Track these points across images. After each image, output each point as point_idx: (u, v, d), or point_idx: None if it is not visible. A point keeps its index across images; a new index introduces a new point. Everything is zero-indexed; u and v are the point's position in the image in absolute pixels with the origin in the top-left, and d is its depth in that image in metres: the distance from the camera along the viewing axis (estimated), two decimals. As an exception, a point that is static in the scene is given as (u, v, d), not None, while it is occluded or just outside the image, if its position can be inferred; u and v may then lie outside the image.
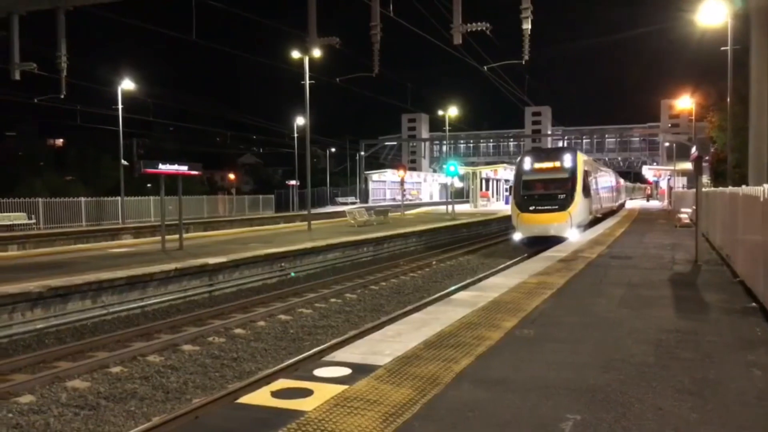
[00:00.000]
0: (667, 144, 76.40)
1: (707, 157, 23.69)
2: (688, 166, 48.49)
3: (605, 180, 35.82)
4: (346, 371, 5.14)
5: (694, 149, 13.43)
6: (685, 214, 25.14)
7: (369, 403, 4.40)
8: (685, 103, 48.30)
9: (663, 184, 63.22)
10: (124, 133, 42.01)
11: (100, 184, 52.88)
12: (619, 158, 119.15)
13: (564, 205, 21.75)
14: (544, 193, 22.71)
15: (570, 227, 21.48)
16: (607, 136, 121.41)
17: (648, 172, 69.93)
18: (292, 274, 17.78)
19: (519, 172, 23.94)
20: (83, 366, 9.36)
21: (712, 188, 22.89)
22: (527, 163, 23.68)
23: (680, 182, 54.06)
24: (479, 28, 15.44)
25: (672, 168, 56.59)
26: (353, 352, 5.79)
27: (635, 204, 58.78)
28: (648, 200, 69.80)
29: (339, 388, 4.69)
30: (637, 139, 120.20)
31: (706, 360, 5.55)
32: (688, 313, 7.66)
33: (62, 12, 20.03)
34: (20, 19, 20.67)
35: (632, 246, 16.51)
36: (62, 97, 21.57)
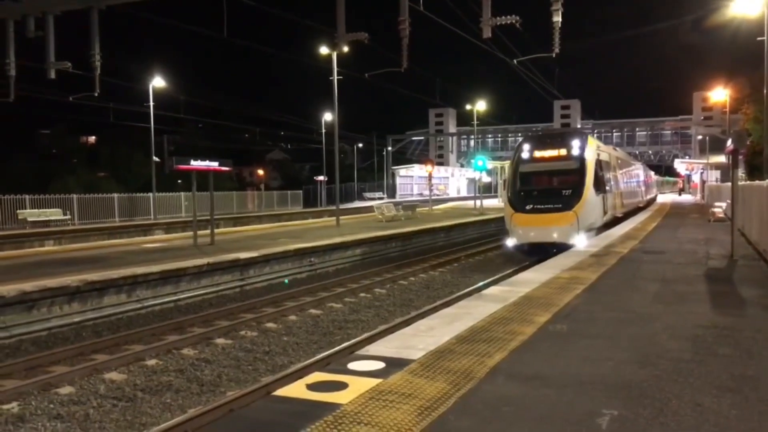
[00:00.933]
0: (699, 137, 74.95)
1: (743, 150, 20.51)
2: (721, 159, 47.55)
3: (630, 172, 30.70)
4: (380, 365, 5.17)
5: (729, 142, 13.17)
6: (719, 208, 24.68)
7: (404, 396, 4.42)
8: (718, 95, 47.38)
9: (695, 178, 62.10)
10: (156, 130, 42.67)
11: (132, 180, 53.71)
12: (650, 152, 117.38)
13: (569, 203, 17.55)
14: (545, 188, 18.62)
15: (577, 231, 17.22)
16: (637, 129, 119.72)
17: (680, 165, 68.77)
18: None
19: (515, 162, 19.43)
20: (120, 359, 9.56)
21: (748, 182, 22.29)
22: (525, 150, 19.30)
23: (713, 176, 53.05)
24: (509, 22, 15.30)
25: (705, 161, 55.54)
26: (386, 346, 5.82)
27: (667, 198, 57.84)
28: (680, 194, 68.65)
29: (373, 382, 4.73)
30: (669, 132, 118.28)
31: (745, 356, 5.46)
32: (725, 308, 7.53)
33: (95, 11, 20.38)
34: (55, 18, 21.10)
35: (665, 241, 16.27)
36: (96, 95, 21.97)
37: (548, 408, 4.24)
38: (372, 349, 5.77)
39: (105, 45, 20.70)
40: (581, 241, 16.52)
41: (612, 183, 21.93)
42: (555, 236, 17.35)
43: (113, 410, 7.69)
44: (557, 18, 14.99)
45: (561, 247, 15.91)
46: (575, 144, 18.64)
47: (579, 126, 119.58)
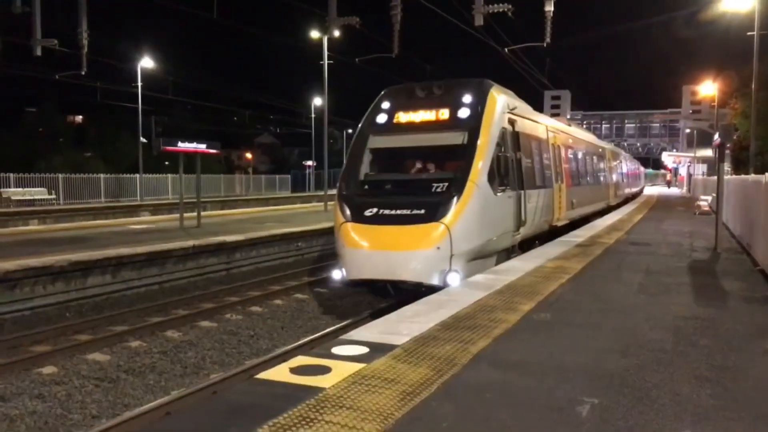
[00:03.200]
0: (687, 130, 75.47)
1: (729, 144, 18.72)
2: (708, 153, 47.91)
3: (594, 159, 23.21)
4: (364, 350, 5.17)
5: (716, 136, 13.26)
6: (705, 201, 24.85)
7: (387, 381, 4.43)
8: (707, 89, 47.67)
9: (682, 171, 62.58)
10: (144, 111, 42.29)
11: (119, 161, 53.31)
12: (638, 144, 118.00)
13: (437, 208, 9.71)
14: (402, 181, 10.89)
15: (447, 259, 9.49)
16: (626, 121, 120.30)
17: (668, 158, 69.25)
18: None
19: (362, 130, 11.62)
20: (103, 340, 9.52)
21: (734, 176, 22.41)
22: (383, 110, 11.53)
23: (700, 169, 53.50)
24: (501, 10, 15.30)
25: (692, 155, 55.95)
26: (371, 332, 5.82)
27: (654, 191, 58.27)
28: (669, 187, 69.12)
29: (357, 366, 4.73)
30: (658, 125, 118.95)
31: (725, 347, 5.52)
32: (707, 300, 7.60)
33: (84, -13, 20.08)
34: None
35: (651, 233, 16.38)
36: (83, 73, 21.75)
37: (530, 395, 4.27)
38: (356, 334, 5.77)
39: (93, 24, 20.46)
40: (454, 281, 9.19)
41: (548, 172, 14.82)
42: (408, 271, 9.48)
43: (95, 390, 7.67)
44: (549, 7, 15.04)
45: (429, 289, 8.85)
46: (465, 101, 10.89)
47: (568, 116, 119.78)
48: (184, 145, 18.33)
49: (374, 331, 5.87)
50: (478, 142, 10.39)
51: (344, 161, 11.64)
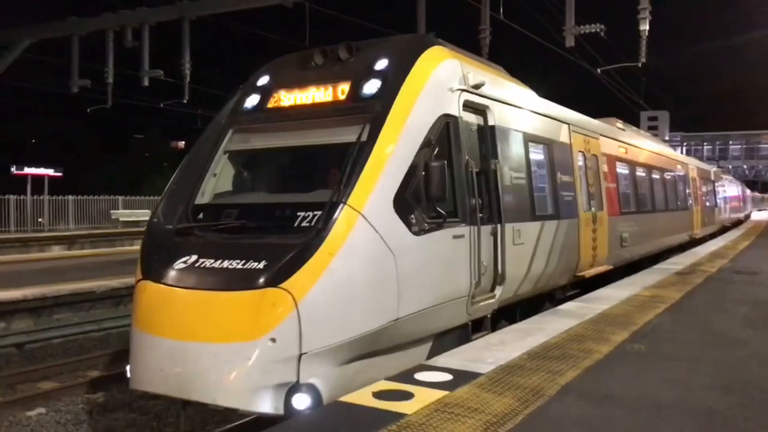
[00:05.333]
0: (800, 151, 70.47)
1: None
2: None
3: (669, 175, 18.19)
4: (447, 377, 5.11)
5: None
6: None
7: (470, 410, 4.35)
8: (823, 107, 44.48)
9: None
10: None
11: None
12: (745, 166, 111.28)
13: (278, 260, 5.37)
14: (254, 207, 6.46)
15: (291, 363, 5.07)
16: (731, 142, 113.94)
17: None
18: None
19: (217, 124, 7.39)
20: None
21: None
22: (256, 90, 7.26)
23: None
24: (593, 30, 14.95)
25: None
26: (455, 358, 5.75)
27: (763, 216, 54.66)
28: None
29: (439, 394, 4.68)
30: (766, 145, 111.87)
31: (844, 389, 5.06)
32: (823, 336, 7.01)
33: (187, 21, 21.38)
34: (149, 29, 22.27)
35: (758, 261, 15.34)
36: (185, 101, 23.03)
37: (620, 431, 4.06)
38: (440, 360, 5.71)
39: (195, 54, 21.66)
40: (305, 403, 5.10)
41: (569, 193, 10.07)
42: (202, 384, 5.16)
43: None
44: (644, 26, 14.53)
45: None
46: (379, 70, 6.62)
47: (667, 138, 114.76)
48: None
49: (458, 358, 5.78)
50: (378, 139, 5.98)
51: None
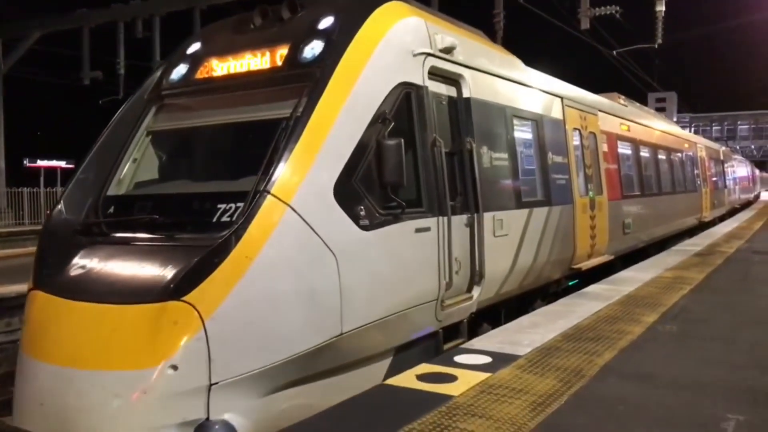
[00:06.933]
0: (810, 131, 69.98)
1: None
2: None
3: (676, 155, 17.10)
4: (487, 359, 5.17)
5: None
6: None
7: (515, 391, 4.42)
8: (834, 85, 44.06)
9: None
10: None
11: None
12: (753, 146, 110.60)
13: (181, 263, 4.43)
14: (168, 197, 5.53)
15: (200, 396, 4.14)
16: (739, 122, 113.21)
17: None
18: None
19: (140, 99, 6.35)
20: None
21: None
22: (186, 58, 6.27)
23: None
24: (608, 12, 14.88)
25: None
26: (491, 341, 5.81)
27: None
28: None
29: (482, 375, 4.74)
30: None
31: None
32: None
33: (197, 11, 21.40)
34: (160, 20, 22.29)
35: (775, 241, 15.34)
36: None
37: (665, 409, 4.12)
38: (476, 343, 5.78)
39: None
40: None
41: (562, 176, 9.18)
42: (87, 423, 4.12)
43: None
44: (660, 7, 14.47)
45: None
46: (323, 29, 5.56)
47: (675, 119, 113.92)
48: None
49: (494, 341, 5.85)
50: (314, 112, 4.99)
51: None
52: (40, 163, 37.00)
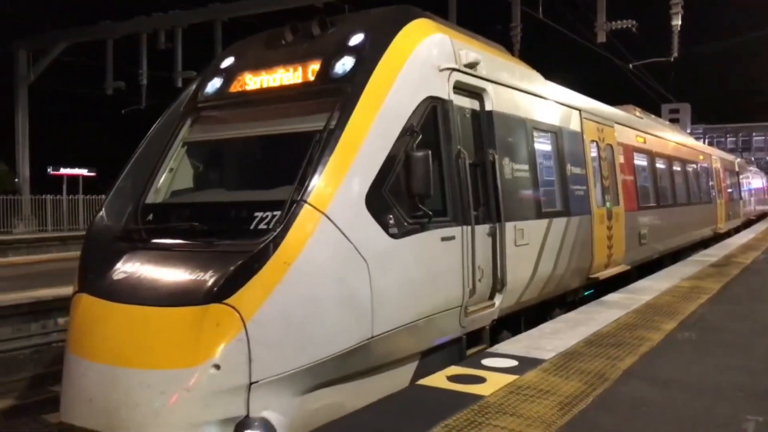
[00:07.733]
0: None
1: None
2: None
3: (690, 166, 17.24)
4: (513, 363, 5.40)
5: None
6: None
7: (542, 392, 4.64)
8: None
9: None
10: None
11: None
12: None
13: (222, 269, 4.66)
14: (204, 207, 5.84)
15: (240, 394, 4.38)
16: (754, 134, 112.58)
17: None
18: None
19: (176, 111, 6.63)
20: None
21: None
22: (220, 72, 6.55)
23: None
24: (625, 26, 15.11)
25: (833, 169, 51.46)
26: (515, 346, 6.04)
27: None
28: None
29: (510, 377, 4.97)
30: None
31: None
32: None
33: (219, 23, 21.83)
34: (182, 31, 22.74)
35: (792, 252, 15.41)
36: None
37: (687, 411, 4.33)
38: (502, 347, 6.01)
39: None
40: None
41: (580, 187, 9.36)
42: (130, 419, 4.36)
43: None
44: (677, 21, 14.68)
45: None
46: (353, 46, 5.84)
47: (689, 131, 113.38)
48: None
49: (518, 346, 6.07)
50: (347, 125, 5.25)
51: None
52: (63, 171, 37.67)
